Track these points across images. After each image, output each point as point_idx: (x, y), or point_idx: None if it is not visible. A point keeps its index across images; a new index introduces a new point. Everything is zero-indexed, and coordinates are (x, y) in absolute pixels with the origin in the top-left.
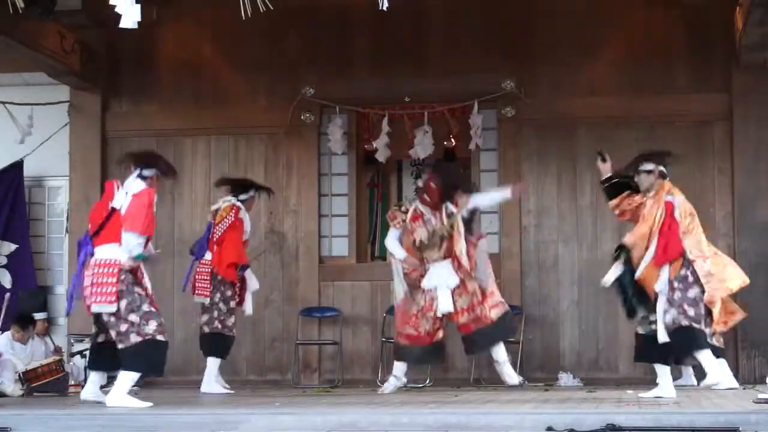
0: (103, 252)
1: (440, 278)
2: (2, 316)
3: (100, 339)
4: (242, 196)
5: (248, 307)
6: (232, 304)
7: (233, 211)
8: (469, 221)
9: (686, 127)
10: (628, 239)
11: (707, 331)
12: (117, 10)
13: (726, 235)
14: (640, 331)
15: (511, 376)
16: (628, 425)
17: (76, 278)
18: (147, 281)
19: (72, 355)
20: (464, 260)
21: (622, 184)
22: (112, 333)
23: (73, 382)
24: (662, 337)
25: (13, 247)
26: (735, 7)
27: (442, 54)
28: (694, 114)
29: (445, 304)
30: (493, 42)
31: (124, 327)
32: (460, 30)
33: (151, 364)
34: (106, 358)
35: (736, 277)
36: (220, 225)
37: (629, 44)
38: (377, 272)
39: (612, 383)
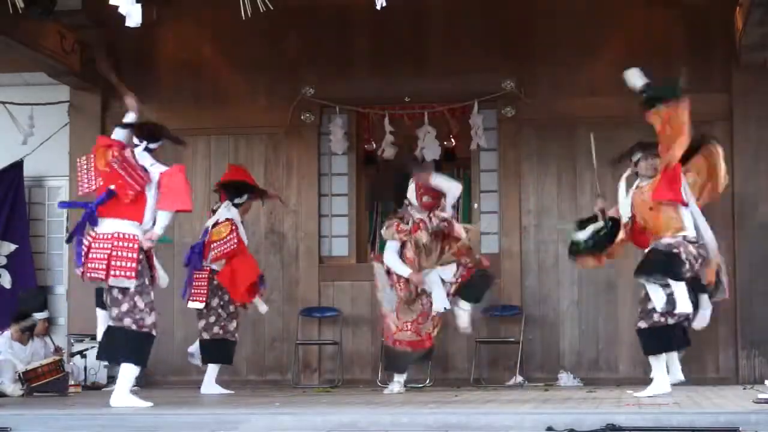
0: (118, 226)
1: (436, 278)
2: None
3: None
4: (237, 200)
5: (261, 306)
6: (232, 308)
7: (233, 233)
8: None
9: None
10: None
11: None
12: (120, 10)
13: (726, 236)
14: (642, 325)
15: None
16: (628, 425)
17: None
18: (157, 269)
19: (72, 355)
20: (462, 234)
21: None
22: (112, 311)
23: (73, 382)
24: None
25: (13, 247)
26: (735, 7)
27: (442, 54)
28: (694, 114)
29: (439, 303)
30: (493, 42)
31: (125, 307)
32: (460, 30)
33: (141, 356)
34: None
35: None
36: (220, 245)
37: (629, 44)
38: None
39: (612, 383)
